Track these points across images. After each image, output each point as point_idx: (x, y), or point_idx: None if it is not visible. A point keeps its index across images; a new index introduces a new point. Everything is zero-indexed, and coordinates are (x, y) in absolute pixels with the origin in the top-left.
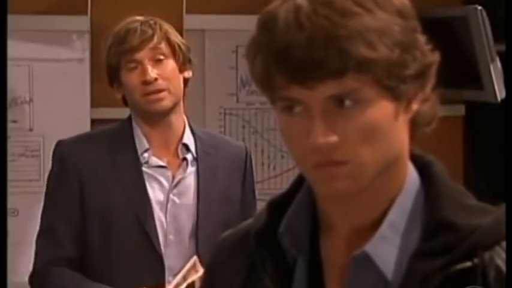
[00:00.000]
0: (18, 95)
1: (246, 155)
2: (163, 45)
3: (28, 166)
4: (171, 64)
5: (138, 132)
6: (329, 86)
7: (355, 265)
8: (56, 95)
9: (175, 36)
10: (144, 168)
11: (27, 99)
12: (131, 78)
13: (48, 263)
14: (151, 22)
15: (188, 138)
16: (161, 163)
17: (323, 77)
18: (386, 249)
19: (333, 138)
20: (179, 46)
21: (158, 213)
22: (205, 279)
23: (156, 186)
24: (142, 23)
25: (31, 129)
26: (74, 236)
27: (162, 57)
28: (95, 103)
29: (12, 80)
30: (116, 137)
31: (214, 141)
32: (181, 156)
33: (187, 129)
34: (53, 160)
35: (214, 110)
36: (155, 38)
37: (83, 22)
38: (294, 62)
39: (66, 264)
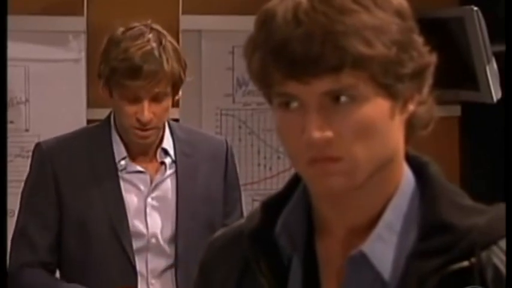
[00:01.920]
0: (14, 95)
1: (227, 149)
2: (168, 87)
3: (24, 167)
4: (167, 102)
5: (116, 138)
6: (325, 82)
7: (352, 265)
8: (52, 95)
9: (180, 66)
10: (121, 174)
11: (23, 99)
12: (126, 108)
13: (23, 265)
14: (164, 56)
15: (167, 142)
16: (139, 168)
17: (319, 72)
18: (383, 249)
19: (328, 134)
20: (180, 78)
21: (136, 220)
22: (197, 278)
23: (134, 191)
24: (156, 55)
25: (27, 130)
26: (50, 241)
27: (162, 96)
28: (91, 103)
29: (8, 81)
30: (94, 142)
31: (193, 139)
32: (159, 160)
33: (167, 132)
34: (31, 162)
35: (211, 110)
36: (164, 81)
37: (79, 22)
38: (290, 57)
39: (40, 268)
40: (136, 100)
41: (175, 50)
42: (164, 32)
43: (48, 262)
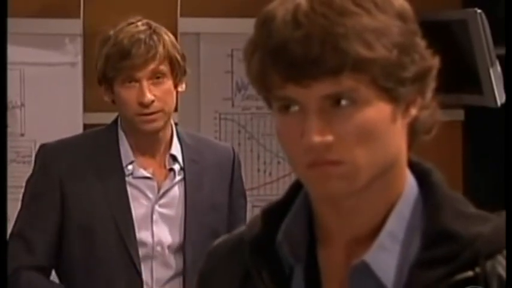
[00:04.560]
0: (10, 99)
1: (234, 157)
2: (164, 64)
3: (19, 172)
4: (168, 84)
5: (124, 142)
6: (325, 85)
7: (355, 275)
8: (48, 99)
9: (175, 50)
10: (128, 179)
11: (19, 103)
12: (127, 95)
13: (19, 268)
14: (155, 37)
15: (176, 149)
16: (146, 174)
17: (319, 75)
18: (386, 258)
19: (328, 138)
20: (178, 62)
21: (142, 227)
22: (197, 286)
23: (141, 197)
24: (146, 35)
25: (22, 134)
26: (49, 246)
27: (160, 76)
28: (87, 108)
29: None
30: (101, 145)
31: (201, 146)
32: (168, 167)
33: (175, 138)
34: (35, 163)
35: (209, 114)
36: (158, 58)
37: (75, 25)
38: (289, 59)
39: (37, 271)
40: (134, 84)
41: (169, 37)
42: (158, 25)
43: (45, 267)
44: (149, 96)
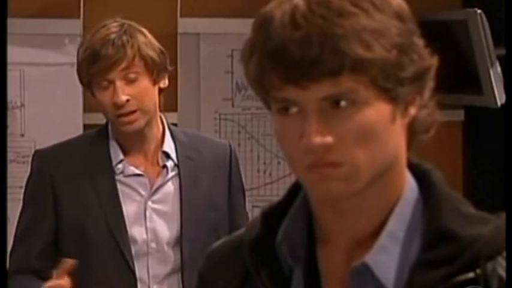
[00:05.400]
0: (10, 99)
1: (231, 154)
2: (136, 63)
3: (19, 172)
4: (144, 82)
5: (113, 142)
6: (324, 86)
7: (355, 276)
8: (48, 99)
9: (149, 48)
10: (119, 178)
11: (19, 104)
12: (103, 98)
13: (14, 272)
14: (124, 38)
15: (168, 146)
16: (137, 171)
17: (318, 76)
18: (387, 259)
19: (328, 139)
20: (153, 60)
21: (135, 224)
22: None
23: (133, 194)
24: (116, 36)
25: (22, 135)
26: (43, 248)
27: (134, 75)
28: (87, 108)
29: None
30: (92, 147)
31: (197, 144)
32: (161, 164)
33: (167, 135)
34: (30, 170)
35: (209, 115)
36: (127, 58)
37: (75, 25)
38: (288, 60)
39: (30, 274)
40: (109, 85)
41: (144, 36)
42: (134, 24)
43: (39, 270)
44: (122, 97)
